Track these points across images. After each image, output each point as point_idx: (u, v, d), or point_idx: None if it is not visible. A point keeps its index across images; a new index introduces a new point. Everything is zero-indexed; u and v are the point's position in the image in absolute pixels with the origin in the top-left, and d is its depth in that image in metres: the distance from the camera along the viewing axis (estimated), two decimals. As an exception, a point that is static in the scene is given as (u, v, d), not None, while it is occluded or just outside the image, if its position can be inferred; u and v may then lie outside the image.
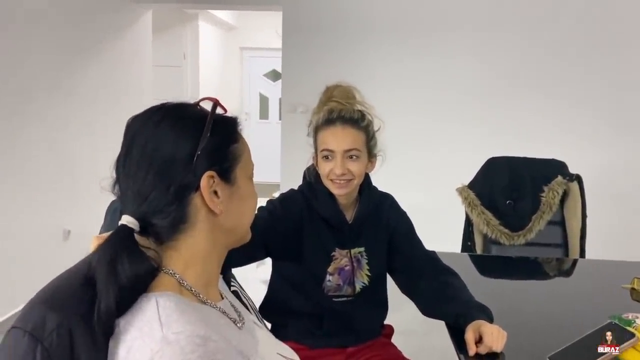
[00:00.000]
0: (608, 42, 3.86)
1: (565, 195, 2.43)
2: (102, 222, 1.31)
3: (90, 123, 3.80)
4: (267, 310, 1.55)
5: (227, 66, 7.52)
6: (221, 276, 0.99)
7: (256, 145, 8.98)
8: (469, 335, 1.21)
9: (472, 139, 3.94)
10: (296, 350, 1.01)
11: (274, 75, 7.64)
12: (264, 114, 7.78)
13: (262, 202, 1.72)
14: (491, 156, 2.56)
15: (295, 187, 1.55)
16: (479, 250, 2.46)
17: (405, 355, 1.59)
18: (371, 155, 1.46)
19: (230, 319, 0.83)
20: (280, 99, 5.73)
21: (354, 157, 1.41)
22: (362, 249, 1.51)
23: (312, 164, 1.53)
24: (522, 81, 3.96)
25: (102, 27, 3.92)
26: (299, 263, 1.46)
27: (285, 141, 4.28)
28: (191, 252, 0.79)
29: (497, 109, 3.98)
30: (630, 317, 1.26)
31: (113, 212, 1.30)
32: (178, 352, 0.65)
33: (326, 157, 1.41)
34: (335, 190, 1.43)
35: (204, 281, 0.82)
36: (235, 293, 1.43)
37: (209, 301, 0.80)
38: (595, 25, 3.86)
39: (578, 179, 2.45)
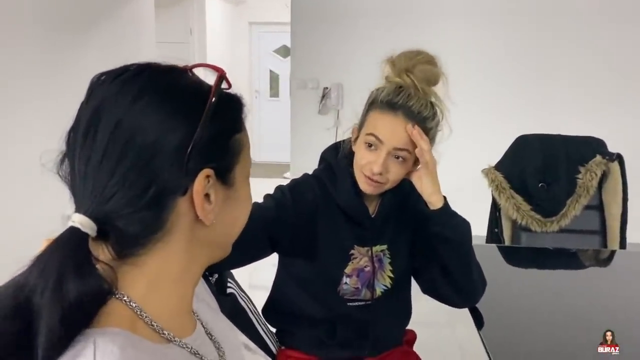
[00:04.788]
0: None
1: (604, 177, 2.20)
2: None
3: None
4: (271, 313, 1.36)
5: (235, 42, 7.28)
6: (203, 282, 0.78)
7: (266, 125, 8.73)
8: None
9: (500, 115, 3.66)
10: None
11: (285, 51, 7.37)
12: (274, 91, 7.57)
13: (272, 183, 1.50)
14: (521, 134, 2.33)
15: (306, 166, 1.31)
16: (507, 237, 2.24)
17: (428, 346, 1.42)
18: (417, 161, 1.18)
19: None
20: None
21: (401, 158, 1.15)
22: (384, 246, 1.29)
23: (349, 139, 1.26)
24: (557, 50, 3.67)
25: (100, 3, 3.69)
26: (311, 262, 1.25)
27: (295, 119, 4.06)
28: (159, 270, 0.59)
29: (528, 81, 3.70)
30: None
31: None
32: None
33: (369, 145, 1.16)
34: (363, 186, 1.19)
35: (173, 309, 0.61)
36: (231, 296, 1.24)
37: (176, 338, 0.60)
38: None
39: (619, 158, 2.21)
